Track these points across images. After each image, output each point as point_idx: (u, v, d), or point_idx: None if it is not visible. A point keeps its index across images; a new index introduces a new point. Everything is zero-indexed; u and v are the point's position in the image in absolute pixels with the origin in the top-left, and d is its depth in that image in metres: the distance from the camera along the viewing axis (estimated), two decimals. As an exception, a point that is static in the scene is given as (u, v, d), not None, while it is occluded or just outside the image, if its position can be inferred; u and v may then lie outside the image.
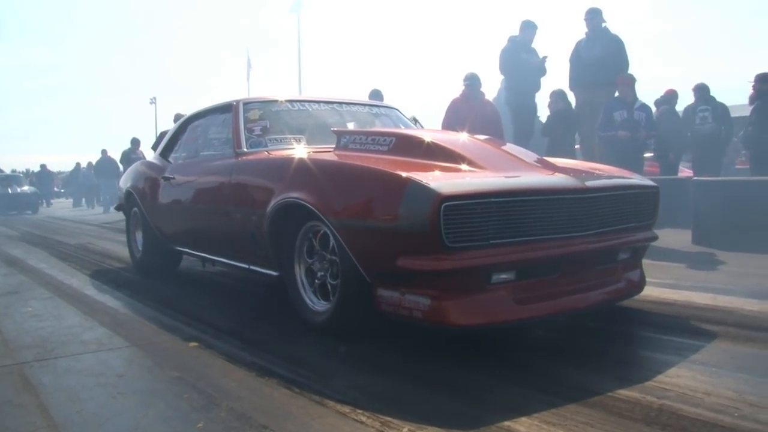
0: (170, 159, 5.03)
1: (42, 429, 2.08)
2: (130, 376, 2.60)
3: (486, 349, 2.85)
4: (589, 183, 2.93)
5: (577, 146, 8.20)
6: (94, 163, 22.72)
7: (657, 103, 9.14)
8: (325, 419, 2.07)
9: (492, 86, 9.84)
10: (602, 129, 7.14)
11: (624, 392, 2.20)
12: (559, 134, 7.51)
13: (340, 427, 2.01)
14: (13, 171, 26.78)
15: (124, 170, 9.16)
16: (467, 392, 2.27)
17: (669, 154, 8.80)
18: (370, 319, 2.82)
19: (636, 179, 3.41)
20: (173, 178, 4.63)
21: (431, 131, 3.93)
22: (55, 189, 26.74)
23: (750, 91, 8.03)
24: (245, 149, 3.81)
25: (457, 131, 4.18)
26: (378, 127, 4.35)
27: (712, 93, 8.72)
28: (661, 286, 3.93)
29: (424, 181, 2.49)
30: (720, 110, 8.46)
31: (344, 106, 4.54)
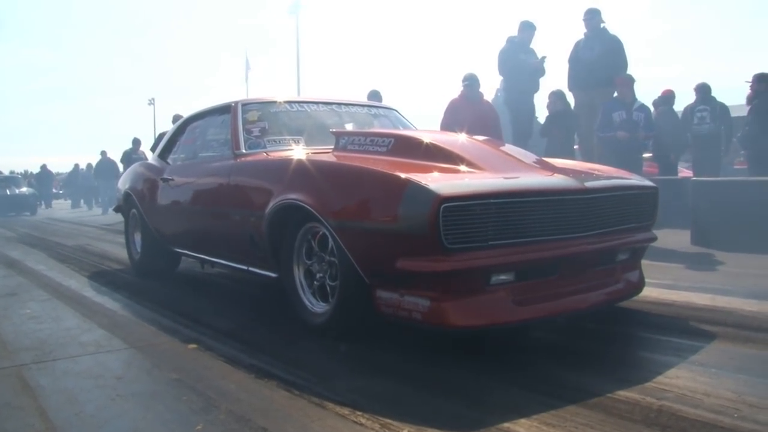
0: (169, 160, 5.03)
1: (40, 432, 2.07)
2: (128, 378, 2.59)
3: (485, 350, 2.84)
4: (588, 184, 2.93)
5: (575, 147, 8.20)
6: (93, 164, 22.77)
7: (655, 103, 9.15)
8: (325, 421, 2.06)
9: (490, 87, 9.81)
10: (601, 130, 7.14)
11: (623, 393, 2.20)
12: (557, 135, 7.51)
13: (339, 429, 2.00)
14: (12, 172, 26.74)
15: (125, 170, 9.15)
16: (467, 394, 2.27)
17: (670, 154, 8.80)
18: (369, 320, 2.82)
19: (635, 180, 3.41)
20: (172, 180, 4.63)
21: (430, 132, 3.92)
22: (54, 190, 26.69)
23: (748, 91, 8.05)
24: (244, 150, 3.81)
25: (456, 132, 4.18)
26: (377, 128, 4.35)
27: (712, 93, 8.72)
28: (660, 287, 3.93)
29: (423, 182, 2.48)
30: (719, 110, 8.45)
31: (343, 107, 4.54)
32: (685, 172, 10.28)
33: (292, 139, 3.95)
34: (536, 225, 2.67)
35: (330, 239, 2.91)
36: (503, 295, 2.61)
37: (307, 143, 3.91)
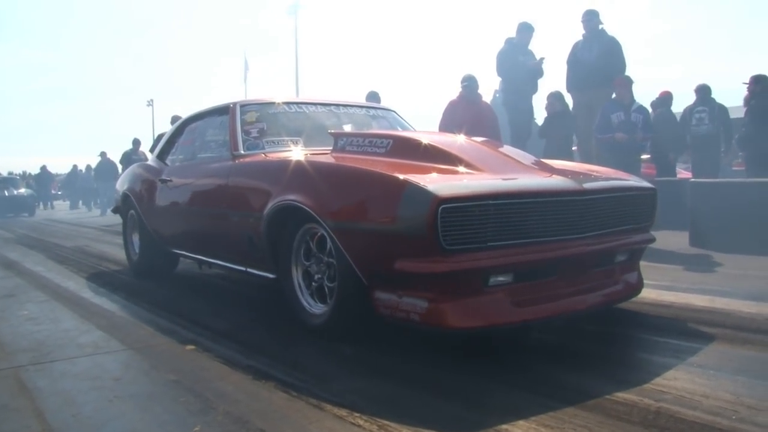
0: (167, 161, 5.02)
1: (37, 433, 2.07)
2: (126, 380, 2.59)
3: (484, 351, 2.84)
4: (587, 185, 2.93)
5: (574, 148, 8.20)
6: (92, 165, 22.75)
7: (653, 105, 9.15)
8: (323, 423, 2.06)
9: (488, 88, 9.82)
10: (599, 131, 7.14)
11: (622, 395, 2.20)
12: (556, 136, 7.52)
13: (337, 430, 2.00)
14: (10, 173, 26.71)
15: (124, 171, 9.15)
16: (465, 395, 2.27)
17: (669, 154, 8.81)
18: (368, 321, 2.82)
19: (633, 181, 3.41)
20: (170, 181, 4.62)
21: (428, 133, 3.92)
22: (53, 191, 26.68)
23: (745, 92, 8.05)
24: (242, 151, 3.80)
25: (455, 133, 4.18)
26: (375, 129, 4.35)
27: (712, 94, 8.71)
28: (659, 288, 3.93)
29: (421, 183, 2.48)
30: (717, 111, 8.45)
31: (341, 108, 4.54)
32: (683, 173, 10.28)
33: (291, 140, 3.94)
34: (535, 226, 2.67)
35: (328, 240, 2.91)
36: (502, 297, 2.60)
37: (306, 144, 3.90)
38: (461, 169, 2.88)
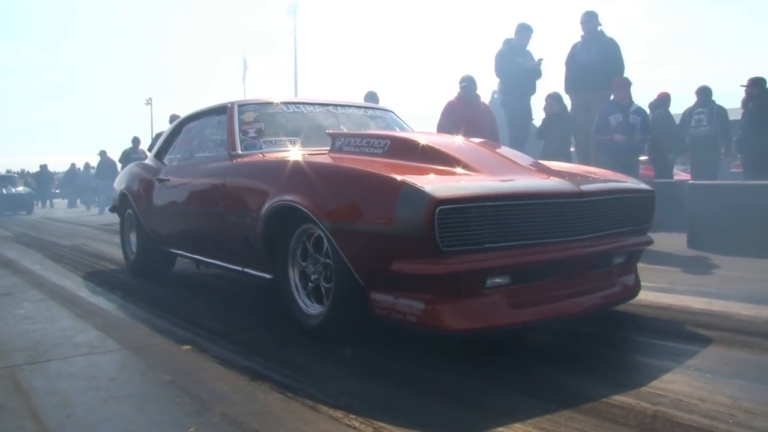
0: (165, 161, 5.01)
1: (32, 434, 2.06)
2: (122, 380, 2.58)
3: (480, 353, 2.83)
4: (585, 187, 2.92)
5: (572, 149, 8.20)
6: (91, 163, 22.76)
7: (651, 106, 9.14)
8: (318, 424, 2.05)
9: (486, 89, 9.84)
10: (598, 132, 7.14)
11: (618, 398, 2.19)
12: (554, 137, 7.52)
13: (332, 432, 1.99)
14: (8, 171, 26.68)
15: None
16: (461, 397, 2.26)
17: (668, 155, 8.81)
18: (364, 322, 2.81)
19: (631, 183, 3.41)
20: (168, 180, 4.61)
21: (426, 134, 3.91)
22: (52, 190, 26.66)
23: (743, 95, 8.06)
24: (240, 151, 3.79)
25: (453, 134, 4.17)
26: (373, 130, 4.34)
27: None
28: (656, 290, 3.93)
29: (418, 184, 2.47)
30: (716, 113, 8.45)
31: (339, 108, 4.53)
32: (680, 174, 10.29)
33: (289, 140, 3.94)
34: (532, 228, 2.67)
35: (325, 241, 2.90)
36: (499, 298, 2.60)
37: (303, 144, 3.89)
38: (459, 170, 2.87)
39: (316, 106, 4.40)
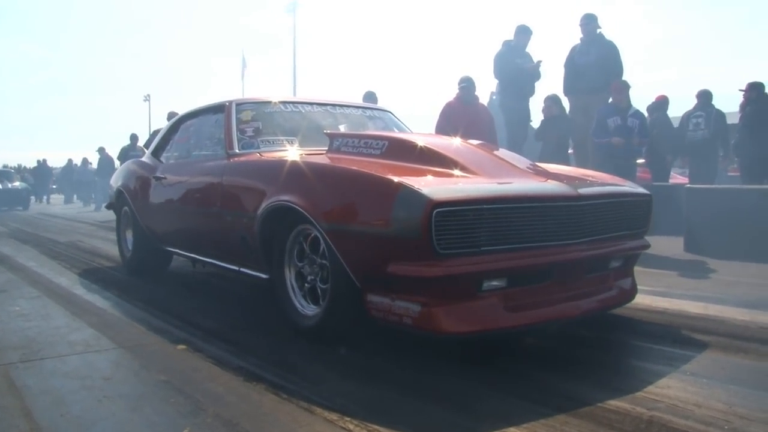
0: (162, 158, 5.00)
1: (25, 433, 2.05)
2: (116, 379, 2.57)
3: (476, 357, 2.83)
4: (582, 190, 2.92)
5: (570, 151, 8.20)
6: (89, 159, 22.73)
7: (649, 109, 9.15)
8: (313, 426, 2.05)
9: (485, 90, 9.84)
10: (596, 135, 7.14)
11: (614, 403, 2.19)
12: (552, 139, 7.52)
13: (327, 435, 1.99)
14: (5, 166, 26.61)
15: (122, 167, 9.08)
16: (457, 401, 2.25)
17: (666, 156, 8.82)
18: (360, 324, 2.80)
19: (629, 187, 3.41)
20: (164, 178, 4.60)
21: (424, 135, 3.90)
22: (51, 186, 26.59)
23: (741, 99, 8.07)
24: (237, 150, 3.78)
25: (451, 135, 4.16)
26: (371, 130, 4.33)
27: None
28: (653, 294, 3.93)
29: (416, 186, 2.47)
30: (714, 116, 8.45)
31: (337, 108, 4.52)
32: (677, 178, 10.30)
33: (286, 140, 3.93)
34: (529, 231, 2.66)
35: (322, 242, 2.89)
36: (495, 301, 2.59)
37: (301, 144, 3.88)
38: (456, 172, 2.86)
39: (315, 106, 4.39)
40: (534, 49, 8.01)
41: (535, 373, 2.58)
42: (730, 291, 4.17)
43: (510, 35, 8.02)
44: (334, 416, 2.11)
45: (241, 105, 4.09)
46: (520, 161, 3.33)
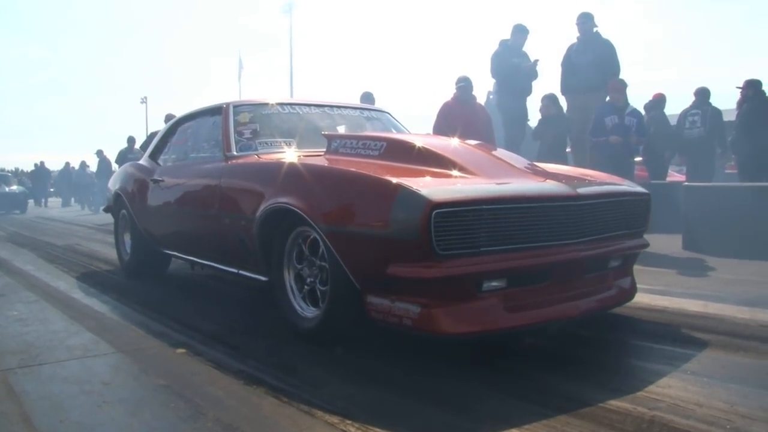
0: (159, 161, 4.99)
1: (24, 439, 2.04)
2: (115, 384, 2.56)
3: (477, 358, 2.82)
4: (581, 190, 2.91)
5: (568, 150, 8.20)
6: (87, 162, 22.72)
7: (646, 107, 9.15)
8: (314, 430, 2.04)
9: (482, 90, 9.82)
10: (594, 134, 7.14)
11: (615, 403, 2.18)
12: (550, 139, 7.52)
13: (328, 438, 1.98)
14: (2, 170, 26.54)
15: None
16: (457, 402, 2.25)
17: (664, 153, 8.82)
18: (360, 326, 2.80)
19: (627, 186, 3.40)
20: (162, 181, 4.59)
21: (422, 136, 3.90)
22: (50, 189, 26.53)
23: (738, 96, 8.08)
24: (235, 153, 3.77)
25: (449, 135, 4.16)
26: (369, 131, 4.32)
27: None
28: (652, 293, 3.93)
29: (414, 187, 2.46)
30: (710, 114, 8.46)
31: (335, 109, 4.51)
32: (674, 176, 10.30)
33: (284, 142, 3.92)
34: (528, 231, 2.66)
35: (321, 243, 2.88)
36: (495, 302, 2.59)
37: (299, 146, 3.88)
38: (455, 173, 2.86)
39: (312, 107, 4.38)
40: (531, 48, 8.01)
41: (535, 374, 2.57)
42: (729, 289, 4.16)
43: (507, 34, 8.02)
44: (335, 419, 2.10)
45: (238, 107, 4.08)
46: (518, 161, 3.32)
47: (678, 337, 3.03)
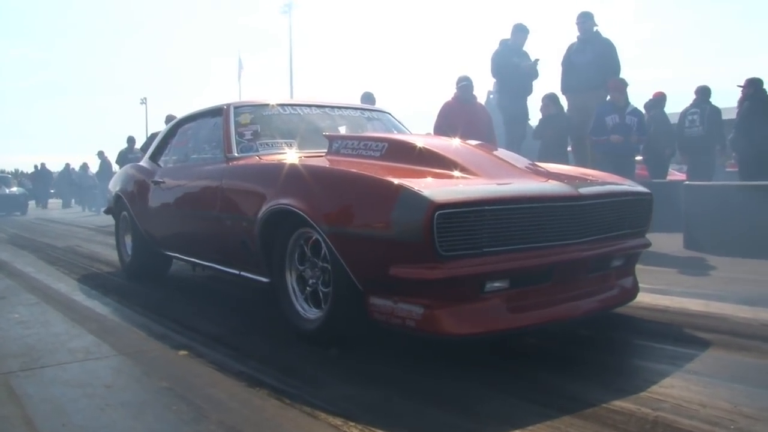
0: (160, 162, 4.98)
1: (27, 443, 2.04)
2: (117, 387, 2.55)
3: (479, 358, 2.81)
4: (583, 190, 2.91)
5: (568, 149, 8.20)
6: (88, 163, 22.71)
7: (646, 106, 9.16)
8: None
9: (482, 89, 9.81)
10: (594, 133, 7.14)
11: (619, 403, 2.18)
12: (550, 138, 7.51)
13: (331, 440, 1.98)
14: (2, 172, 26.53)
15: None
16: (461, 403, 2.24)
17: (665, 150, 8.81)
18: (362, 327, 2.79)
19: (629, 186, 3.40)
20: (163, 182, 4.59)
21: (423, 136, 3.90)
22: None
23: (739, 95, 8.08)
24: (236, 154, 3.77)
25: (450, 135, 4.16)
26: (370, 132, 4.32)
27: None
28: (654, 292, 3.93)
29: (416, 188, 2.46)
30: (709, 113, 8.45)
31: (336, 110, 4.51)
32: (675, 174, 10.30)
33: (285, 143, 3.91)
34: (531, 232, 2.65)
35: (323, 245, 2.88)
36: (498, 303, 2.59)
37: (300, 147, 3.87)
38: (456, 173, 2.86)
39: (313, 108, 4.38)
40: (531, 47, 8.00)
41: (537, 374, 2.57)
42: (730, 288, 4.16)
43: (507, 34, 8.02)
44: (337, 421, 2.10)
45: (239, 108, 4.07)
46: (520, 161, 3.32)
47: (680, 336, 3.03)
